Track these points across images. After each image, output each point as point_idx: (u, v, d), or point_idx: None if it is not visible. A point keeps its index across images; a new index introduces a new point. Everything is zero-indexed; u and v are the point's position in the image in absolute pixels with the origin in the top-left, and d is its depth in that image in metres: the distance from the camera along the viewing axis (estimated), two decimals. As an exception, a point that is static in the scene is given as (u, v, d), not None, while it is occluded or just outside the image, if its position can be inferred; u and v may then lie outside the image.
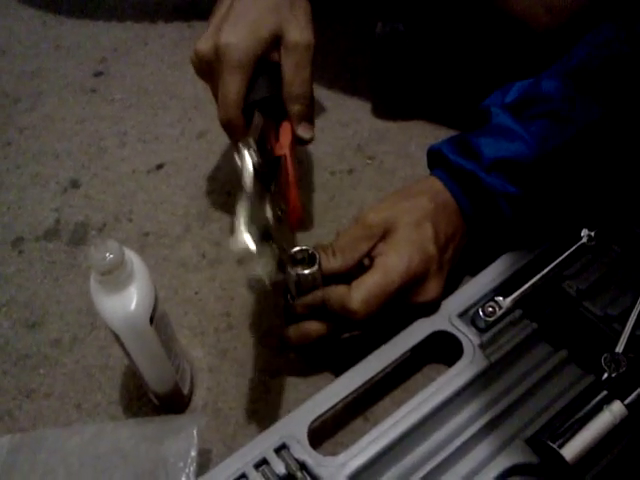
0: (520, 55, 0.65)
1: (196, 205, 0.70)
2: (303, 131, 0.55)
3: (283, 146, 0.53)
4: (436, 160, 0.57)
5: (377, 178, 0.71)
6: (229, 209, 0.69)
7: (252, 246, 0.42)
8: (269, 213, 0.47)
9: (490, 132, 0.54)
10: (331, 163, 0.73)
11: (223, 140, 0.77)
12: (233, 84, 0.51)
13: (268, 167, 0.50)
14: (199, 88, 0.83)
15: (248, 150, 0.48)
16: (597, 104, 0.52)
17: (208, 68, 0.53)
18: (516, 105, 0.54)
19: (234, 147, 0.54)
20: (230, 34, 0.51)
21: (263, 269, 0.44)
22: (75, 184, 0.74)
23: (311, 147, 0.75)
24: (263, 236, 0.44)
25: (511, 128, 0.53)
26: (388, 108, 0.78)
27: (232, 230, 0.43)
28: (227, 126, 0.53)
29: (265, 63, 0.52)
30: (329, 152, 0.74)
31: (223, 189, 0.71)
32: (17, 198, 0.73)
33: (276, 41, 0.52)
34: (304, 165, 0.73)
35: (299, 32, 0.52)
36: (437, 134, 0.73)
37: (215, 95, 0.55)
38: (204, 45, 0.53)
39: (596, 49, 0.54)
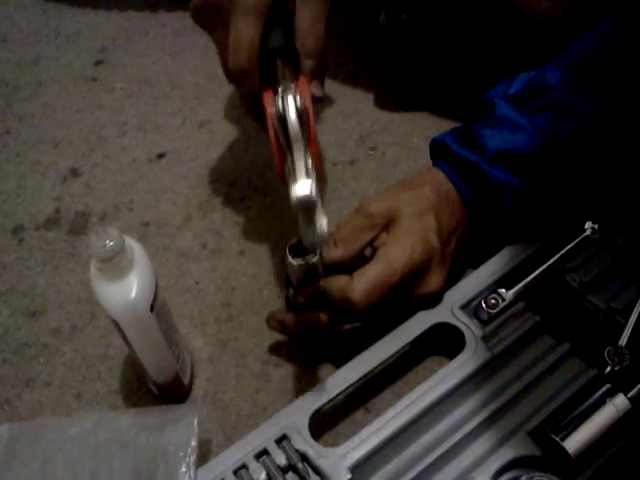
0: (524, 46, 0.65)
1: (197, 195, 0.70)
2: (315, 88, 0.51)
3: (306, 98, 0.48)
4: (439, 151, 0.56)
5: (379, 169, 0.70)
6: (230, 199, 0.69)
7: (314, 193, 0.41)
8: (310, 163, 0.44)
9: (493, 124, 0.53)
10: (333, 154, 0.72)
11: (225, 130, 0.76)
12: (248, 29, 0.47)
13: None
14: (201, 78, 0.83)
15: (293, 95, 0.43)
16: (601, 95, 0.52)
17: (212, 13, 0.49)
18: (520, 96, 0.54)
19: (241, 100, 0.51)
20: None
21: (321, 217, 0.43)
22: (75, 173, 0.74)
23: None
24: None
25: (515, 120, 0.53)
26: (391, 99, 0.78)
27: (289, 179, 0.42)
28: (239, 75, 0.49)
29: (279, 10, 0.48)
30: (331, 143, 0.74)
31: (225, 179, 0.71)
32: (17, 186, 0.73)
33: None
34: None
35: None
36: (440, 126, 0.73)
37: (219, 43, 0.51)
38: None
39: (600, 40, 0.54)
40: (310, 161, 0.44)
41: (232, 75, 0.50)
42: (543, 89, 0.53)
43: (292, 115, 0.42)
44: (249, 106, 0.53)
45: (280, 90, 0.44)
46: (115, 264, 0.42)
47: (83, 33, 0.94)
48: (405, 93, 0.78)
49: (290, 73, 0.49)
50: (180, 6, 0.95)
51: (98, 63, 0.89)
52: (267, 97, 0.48)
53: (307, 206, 0.42)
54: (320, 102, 0.53)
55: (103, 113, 0.81)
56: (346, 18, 0.88)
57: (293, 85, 0.45)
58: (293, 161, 0.43)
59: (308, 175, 0.42)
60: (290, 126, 0.42)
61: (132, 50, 0.90)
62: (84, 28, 0.95)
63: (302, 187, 0.41)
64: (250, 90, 0.50)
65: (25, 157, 0.76)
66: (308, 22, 0.50)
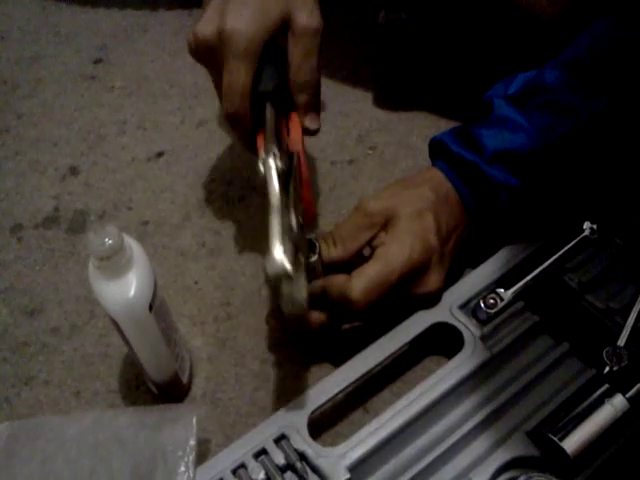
0: (524, 45, 0.64)
1: (196, 194, 0.69)
2: (310, 122, 0.53)
3: (296, 141, 0.50)
4: (438, 151, 0.56)
5: (378, 169, 0.70)
6: (229, 198, 0.69)
7: (289, 267, 0.39)
8: (294, 221, 0.44)
9: (492, 123, 0.53)
10: (332, 153, 0.72)
11: (224, 129, 0.76)
12: (240, 73, 0.48)
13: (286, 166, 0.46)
14: (200, 76, 0.83)
15: (274, 159, 0.44)
16: (600, 95, 0.52)
17: (209, 53, 0.51)
18: (519, 96, 0.54)
19: (238, 140, 0.51)
20: (236, 19, 0.48)
21: (299, 290, 0.42)
22: (74, 171, 0.74)
23: (312, 137, 0.74)
24: (295, 251, 0.42)
25: (514, 119, 0.53)
26: (390, 98, 0.78)
27: (266, 251, 0.40)
28: (233, 119, 0.50)
29: (270, 48, 0.50)
30: (330, 142, 0.74)
31: (224, 178, 0.71)
32: (15, 185, 0.73)
33: (284, 26, 0.50)
34: (305, 155, 0.72)
35: (308, 16, 0.50)
36: (439, 125, 0.73)
37: (215, 82, 0.53)
38: (206, 29, 0.49)
39: (599, 40, 0.54)
40: (294, 221, 0.43)
41: (226, 118, 0.51)
42: (542, 89, 0.53)
43: (272, 184, 0.42)
44: (245, 146, 0.54)
45: (262, 154, 0.44)
46: (114, 262, 0.42)
47: (82, 31, 0.94)
48: (404, 92, 0.78)
49: (280, 115, 0.50)
50: (179, 5, 0.95)
51: (97, 61, 0.88)
52: (260, 140, 0.50)
53: (283, 277, 0.40)
54: (315, 134, 0.54)
55: (102, 111, 0.81)
56: (345, 17, 0.88)
57: (274, 146, 0.45)
58: (270, 228, 0.41)
59: (285, 243, 0.40)
60: (270, 194, 0.42)
61: (131, 48, 0.90)
62: (83, 26, 0.94)
63: (274, 261, 0.39)
64: (243, 133, 0.52)
65: (24, 155, 0.76)
66: (300, 57, 0.50)
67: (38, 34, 0.94)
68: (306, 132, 0.53)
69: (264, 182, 0.43)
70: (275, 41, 0.50)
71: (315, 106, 0.53)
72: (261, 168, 0.44)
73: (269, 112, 0.49)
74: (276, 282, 0.41)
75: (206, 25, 0.50)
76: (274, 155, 0.44)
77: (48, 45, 0.92)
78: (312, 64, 0.51)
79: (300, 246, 0.44)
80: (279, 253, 0.39)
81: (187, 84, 0.83)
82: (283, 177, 0.43)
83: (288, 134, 0.51)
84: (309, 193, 0.49)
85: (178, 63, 0.86)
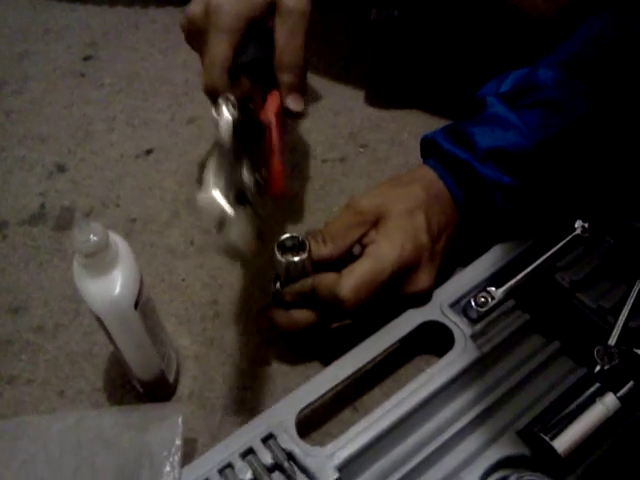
0: (516, 43, 0.64)
1: (185, 191, 0.69)
2: (292, 102, 0.52)
3: (268, 111, 0.50)
4: (430, 149, 0.56)
5: (369, 166, 0.70)
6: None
7: (223, 203, 0.38)
8: (246, 177, 0.43)
9: (485, 121, 0.53)
10: (323, 151, 0.72)
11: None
12: (219, 47, 0.49)
13: (251, 132, 0.46)
14: (190, 74, 0.82)
15: (226, 104, 0.43)
16: (593, 93, 0.51)
17: (198, 33, 0.51)
18: (511, 94, 0.53)
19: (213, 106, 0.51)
20: None
21: (239, 233, 0.40)
22: (61, 169, 0.73)
23: (303, 135, 0.74)
24: (238, 199, 0.40)
25: (506, 117, 0.52)
26: (381, 96, 0.77)
27: (202, 187, 0.39)
28: (211, 91, 0.50)
29: (258, 28, 0.50)
30: (321, 140, 0.73)
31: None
32: (1, 182, 0.72)
33: (271, 6, 0.50)
34: (295, 152, 0.72)
35: None
36: (430, 123, 0.72)
37: (204, 63, 0.52)
38: (195, 7, 0.51)
39: (592, 38, 0.53)
40: (246, 173, 0.42)
41: (205, 91, 0.51)
42: (535, 87, 0.52)
43: (223, 120, 0.42)
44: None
45: (219, 100, 0.44)
46: (99, 260, 0.41)
47: (72, 28, 0.93)
48: (396, 90, 0.78)
49: (256, 87, 0.50)
50: (170, 2, 0.94)
51: (87, 58, 0.88)
52: None
53: (217, 216, 0.39)
54: (300, 117, 0.53)
55: (91, 108, 0.80)
56: (337, 14, 0.88)
57: (232, 96, 0.44)
58: (207, 163, 0.40)
59: (220, 181, 0.39)
60: (218, 133, 0.42)
61: (122, 45, 0.89)
62: (73, 23, 0.94)
63: (205, 196, 0.38)
64: None
65: (11, 152, 0.75)
66: (285, 37, 0.50)
67: (27, 31, 0.93)
68: (288, 113, 0.52)
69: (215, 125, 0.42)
70: (263, 23, 0.50)
71: (299, 88, 0.52)
72: (214, 114, 0.43)
73: (242, 82, 0.50)
74: (208, 220, 0.39)
75: (195, 4, 0.51)
76: (228, 100, 0.43)
77: (37, 42, 0.91)
78: (297, 45, 0.50)
79: (254, 204, 0.43)
80: (211, 186, 0.38)
81: (178, 81, 0.82)
82: (237, 126, 0.43)
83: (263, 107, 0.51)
84: (279, 164, 0.48)
85: (169, 60, 0.86)
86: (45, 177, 0.72)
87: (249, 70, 0.50)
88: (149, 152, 0.74)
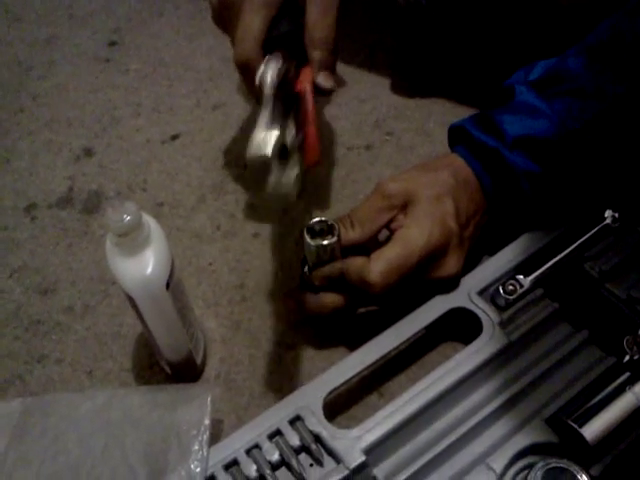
0: (545, 31, 0.64)
1: (211, 176, 0.69)
2: (323, 79, 0.50)
3: (303, 82, 0.49)
4: (458, 137, 0.56)
5: (395, 155, 0.70)
6: (244, 182, 0.68)
7: (269, 151, 0.40)
8: (290, 133, 0.44)
9: (514, 109, 0.53)
10: (349, 138, 0.72)
11: (239, 113, 0.76)
12: (255, 19, 0.48)
13: (287, 101, 0.46)
14: (215, 60, 0.82)
15: (276, 60, 0.44)
16: (623, 81, 0.51)
17: (228, 12, 0.50)
18: (541, 82, 0.53)
19: (248, 90, 0.51)
20: None
21: (283, 179, 0.41)
22: (88, 153, 0.73)
23: (329, 122, 0.74)
24: (281, 154, 0.42)
25: (535, 105, 0.52)
26: (407, 85, 0.77)
27: (250, 139, 0.40)
28: (244, 65, 0.49)
29: (290, 4, 0.49)
30: (347, 127, 0.73)
31: (238, 161, 0.70)
32: (30, 165, 0.72)
33: None
34: (321, 139, 0.71)
35: None
36: (456, 112, 0.72)
37: (232, 41, 0.51)
38: None
39: (621, 25, 0.53)
40: (289, 130, 0.44)
41: (237, 65, 0.50)
42: (564, 75, 0.52)
43: (271, 70, 0.43)
44: (254, 96, 0.51)
45: (267, 57, 0.45)
46: (132, 239, 0.42)
47: (97, 14, 0.93)
48: (421, 78, 0.77)
49: (290, 61, 0.49)
50: (195, -11, 0.94)
51: (112, 44, 0.88)
52: None
53: (261, 167, 0.41)
54: (330, 94, 0.52)
55: (117, 94, 0.80)
56: (362, 3, 0.87)
57: (280, 55, 0.45)
58: (258, 116, 0.42)
59: (270, 131, 0.41)
60: (265, 87, 0.43)
61: (146, 32, 0.89)
62: (98, 9, 0.94)
63: (255, 145, 0.40)
64: (254, 81, 0.50)
65: (38, 136, 0.76)
66: (317, 13, 0.48)
67: (53, 16, 0.94)
68: (318, 91, 0.51)
69: (260, 85, 0.44)
70: (296, 1, 0.49)
71: (329, 64, 0.51)
72: (260, 71, 0.44)
73: (276, 54, 0.49)
74: (256, 168, 0.41)
75: None
76: (277, 59, 0.45)
77: (62, 27, 0.92)
78: (329, 21, 0.49)
79: (296, 161, 0.45)
80: (263, 136, 0.40)
81: (202, 68, 0.82)
82: (282, 89, 0.44)
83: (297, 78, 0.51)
84: (313, 133, 0.47)
85: (193, 47, 0.86)
86: (73, 161, 0.72)
87: (283, 43, 0.49)
88: (175, 137, 0.74)
